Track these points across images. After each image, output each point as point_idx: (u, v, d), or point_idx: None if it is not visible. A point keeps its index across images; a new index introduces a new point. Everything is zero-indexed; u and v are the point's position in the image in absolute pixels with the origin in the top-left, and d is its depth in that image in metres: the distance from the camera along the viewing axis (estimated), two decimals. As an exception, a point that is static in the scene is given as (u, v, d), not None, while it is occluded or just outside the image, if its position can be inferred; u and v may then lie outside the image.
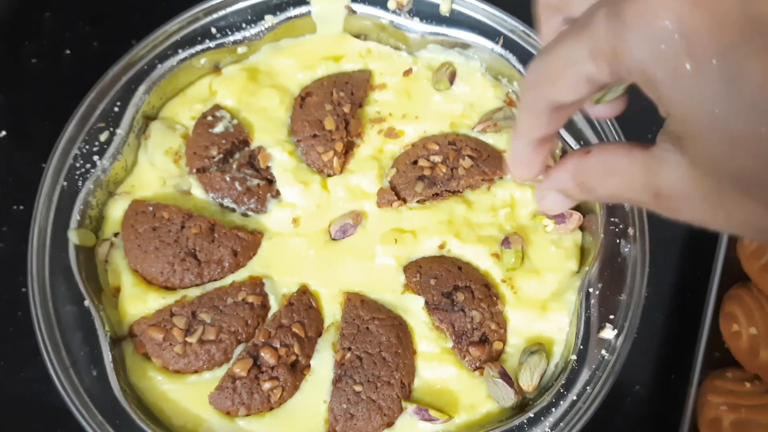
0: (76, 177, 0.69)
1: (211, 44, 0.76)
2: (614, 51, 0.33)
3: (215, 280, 0.68)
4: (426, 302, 0.67)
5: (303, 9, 0.78)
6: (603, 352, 0.63)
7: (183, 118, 0.76)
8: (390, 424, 0.62)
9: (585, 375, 0.62)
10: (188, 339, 0.63)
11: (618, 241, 0.66)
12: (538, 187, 0.49)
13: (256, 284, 0.67)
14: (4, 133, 0.84)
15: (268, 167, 0.72)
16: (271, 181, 0.72)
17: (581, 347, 0.63)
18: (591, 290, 0.65)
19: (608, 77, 0.35)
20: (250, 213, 0.72)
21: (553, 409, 0.61)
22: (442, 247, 0.70)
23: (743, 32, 0.29)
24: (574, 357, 0.63)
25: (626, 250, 0.66)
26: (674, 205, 0.36)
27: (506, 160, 0.47)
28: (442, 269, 0.67)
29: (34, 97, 0.88)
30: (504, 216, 0.71)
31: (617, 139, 0.69)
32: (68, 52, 0.91)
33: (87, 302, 0.64)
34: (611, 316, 0.64)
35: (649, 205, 0.38)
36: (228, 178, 0.71)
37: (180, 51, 0.75)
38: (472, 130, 0.76)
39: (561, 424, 0.60)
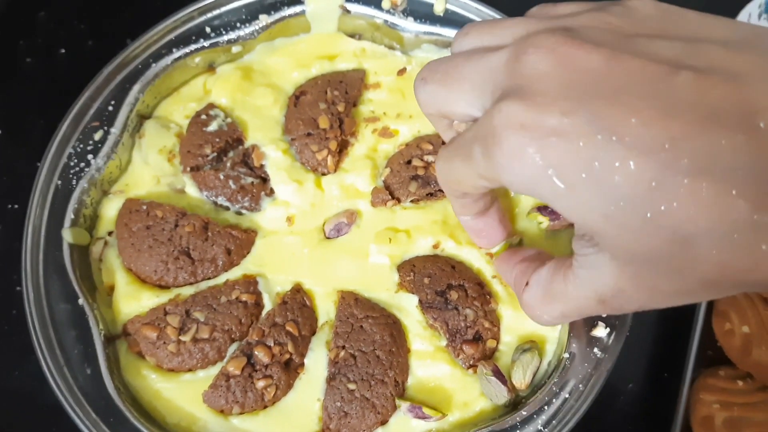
0: (71, 176, 0.69)
1: (206, 43, 0.76)
2: (497, 180, 0.39)
3: (209, 278, 0.68)
4: (420, 301, 0.67)
5: (297, 8, 0.78)
6: (595, 350, 0.63)
7: (177, 116, 0.76)
8: (384, 422, 0.63)
9: (578, 373, 0.62)
10: (182, 337, 0.63)
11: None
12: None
13: (250, 283, 0.67)
14: (-2, 131, 0.84)
15: (262, 165, 0.73)
16: (265, 180, 0.72)
17: (574, 345, 0.63)
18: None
19: (499, 187, 0.42)
20: (244, 211, 0.72)
21: (546, 407, 0.61)
22: (436, 246, 0.70)
23: (595, 144, 0.34)
24: (566, 355, 0.63)
25: (619, 248, 0.66)
26: (617, 303, 0.41)
27: (469, 235, 0.60)
28: (435, 268, 0.68)
29: (28, 95, 0.88)
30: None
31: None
32: (63, 50, 0.91)
33: (81, 301, 0.64)
34: (603, 315, 0.64)
35: (598, 311, 0.44)
36: (222, 177, 0.71)
37: (174, 50, 0.75)
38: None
39: (554, 421, 0.61)
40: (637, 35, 0.37)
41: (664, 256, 0.35)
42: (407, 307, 0.67)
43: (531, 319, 0.50)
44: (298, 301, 0.67)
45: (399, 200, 0.72)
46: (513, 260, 0.55)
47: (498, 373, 0.63)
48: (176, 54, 0.75)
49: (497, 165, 0.37)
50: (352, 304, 0.66)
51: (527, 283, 0.49)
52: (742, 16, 0.85)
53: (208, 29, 0.76)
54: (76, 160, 0.69)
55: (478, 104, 0.42)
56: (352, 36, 0.81)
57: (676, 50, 0.36)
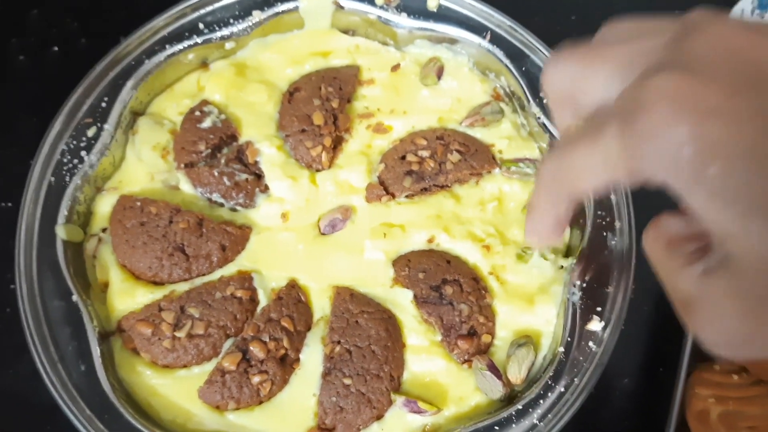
0: (64, 173, 0.69)
1: (199, 40, 0.76)
2: (631, 166, 0.33)
3: (204, 274, 0.68)
4: (415, 296, 0.67)
5: (290, 4, 0.78)
6: (590, 344, 0.63)
7: (171, 113, 0.76)
8: (379, 417, 0.63)
9: (572, 367, 0.62)
10: (177, 334, 0.63)
11: (605, 234, 0.67)
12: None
13: (245, 279, 0.67)
14: (-9, 129, 0.84)
15: (256, 162, 0.72)
16: (259, 176, 0.72)
17: (569, 339, 0.63)
18: (578, 283, 0.65)
19: (626, 181, 0.34)
20: (238, 208, 0.72)
21: (541, 401, 0.61)
22: (431, 241, 0.70)
23: (761, 131, 0.29)
24: (561, 349, 0.63)
25: (613, 242, 0.66)
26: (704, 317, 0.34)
27: (526, 228, 0.49)
28: (430, 263, 0.68)
29: (21, 93, 0.88)
30: (492, 210, 0.71)
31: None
32: (55, 48, 0.90)
33: (75, 297, 0.64)
34: (598, 309, 0.64)
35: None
36: (216, 173, 0.71)
37: (167, 46, 0.75)
38: (460, 124, 0.76)
39: (549, 415, 0.61)
40: None
41: None
42: (402, 302, 0.67)
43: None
44: (293, 297, 0.67)
45: (393, 195, 0.72)
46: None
47: (493, 368, 0.63)
48: (169, 50, 0.75)
49: (640, 139, 0.32)
50: (348, 299, 0.66)
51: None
52: (736, 11, 0.85)
53: (201, 25, 0.76)
54: (69, 157, 0.69)
55: (621, 85, 0.36)
56: (345, 32, 0.81)
57: None
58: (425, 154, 0.72)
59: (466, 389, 0.64)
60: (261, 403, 0.63)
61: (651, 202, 0.35)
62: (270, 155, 0.73)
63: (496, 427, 0.60)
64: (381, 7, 0.78)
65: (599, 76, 0.38)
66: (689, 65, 0.32)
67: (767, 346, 0.32)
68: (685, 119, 0.30)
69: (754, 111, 0.30)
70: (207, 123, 0.73)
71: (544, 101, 0.73)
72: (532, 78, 0.74)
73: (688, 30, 0.34)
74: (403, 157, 0.73)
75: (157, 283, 0.67)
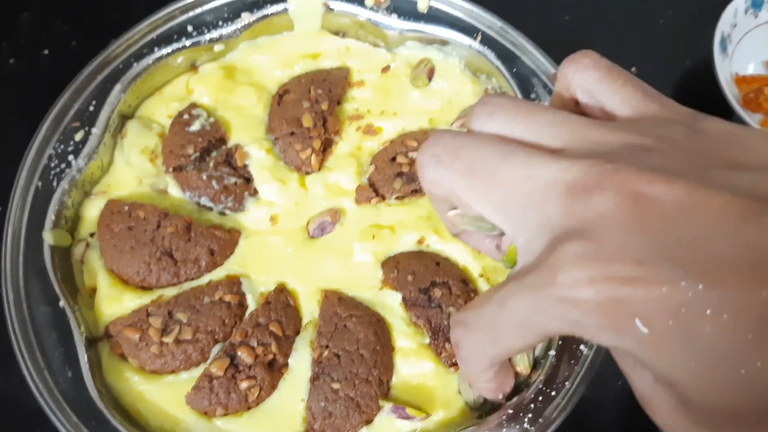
0: (51, 177, 0.68)
1: (188, 42, 0.76)
2: (561, 333, 0.32)
3: (192, 279, 0.67)
4: (403, 298, 0.66)
5: (280, 6, 0.77)
6: (582, 347, 0.62)
7: (160, 116, 0.75)
8: (368, 422, 0.62)
9: (564, 371, 0.62)
10: (165, 339, 0.63)
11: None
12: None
13: (234, 283, 0.67)
14: (-20, 133, 0.84)
15: (245, 165, 0.72)
16: (248, 180, 0.72)
17: (560, 342, 0.63)
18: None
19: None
20: (227, 211, 0.71)
21: (532, 405, 0.60)
22: (421, 242, 0.70)
23: (681, 291, 0.29)
24: (552, 352, 0.63)
25: (604, 244, 0.66)
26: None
27: (484, 395, 0.52)
28: (420, 265, 0.67)
29: (11, 97, 0.87)
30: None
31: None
32: (46, 51, 0.90)
33: (62, 303, 0.63)
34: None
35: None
36: (205, 177, 0.70)
37: (156, 49, 0.75)
38: (450, 126, 0.75)
39: (540, 419, 0.60)
40: (712, 164, 0.32)
41: (750, 415, 0.30)
42: (391, 305, 0.67)
43: None
44: (281, 301, 0.66)
45: (384, 197, 0.71)
46: None
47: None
48: (158, 53, 0.75)
49: (575, 323, 0.31)
50: (336, 303, 0.66)
51: None
52: (729, 10, 0.85)
53: (190, 28, 0.76)
54: (56, 161, 0.69)
55: (510, 223, 0.35)
56: (335, 34, 0.80)
57: (755, 182, 0.31)
58: (415, 155, 0.72)
59: (453, 392, 0.63)
60: (249, 408, 0.62)
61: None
62: (259, 158, 0.72)
63: (486, 432, 0.60)
64: (371, 9, 0.78)
65: (485, 205, 0.36)
66: (590, 234, 0.31)
67: None
68: (610, 302, 0.30)
69: (666, 272, 0.29)
70: (196, 126, 0.72)
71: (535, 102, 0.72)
72: (523, 80, 0.74)
73: (581, 186, 0.32)
74: (393, 159, 0.72)
75: (145, 288, 0.67)
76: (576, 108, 0.39)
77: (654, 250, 0.30)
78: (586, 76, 0.38)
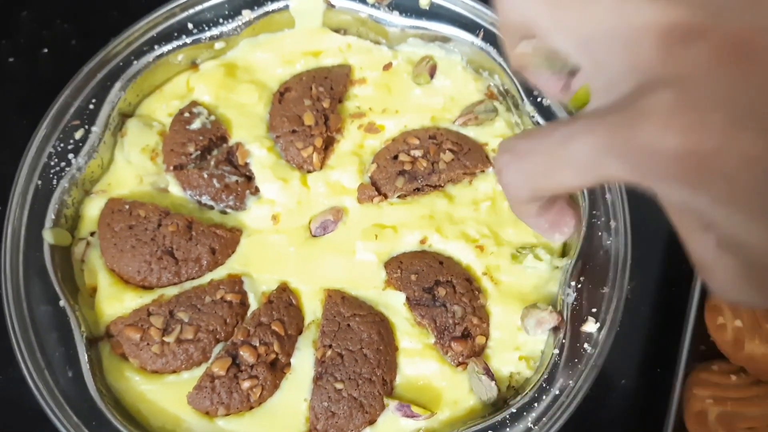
0: (51, 176, 0.68)
1: (188, 40, 0.75)
2: (635, 184, 0.30)
3: (193, 278, 0.67)
4: (407, 298, 0.66)
5: (281, 3, 0.77)
6: (585, 345, 0.62)
7: (160, 114, 0.75)
8: (372, 422, 0.62)
9: (567, 369, 0.61)
10: (166, 338, 0.62)
11: (600, 233, 0.66)
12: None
13: (235, 282, 0.66)
14: (-19, 132, 0.83)
15: (246, 164, 0.72)
16: (249, 178, 0.71)
17: (563, 341, 0.62)
18: (573, 283, 0.64)
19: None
20: (228, 210, 0.71)
21: (536, 404, 0.60)
22: (423, 242, 0.69)
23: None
24: (556, 351, 0.62)
25: (608, 242, 0.65)
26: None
27: (538, 233, 0.45)
28: (423, 264, 0.67)
29: (11, 96, 0.87)
30: (486, 209, 0.70)
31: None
32: (46, 50, 0.89)
33: (62, 302, 0.63)
34: (593, 310, 0.63)
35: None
36: (206, 175, 0.70)
37: (156, 47, 0.74)
38: (453, 123, 0.75)
39: (544, 418, 0.60)
40: None
41: None
42: (395, 305, 0.66)
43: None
44: (284, 300, 0.66)
45: (386, 196, 0.71)
46: None
47: (489, 372, 0.62)
48: (158, 51, 0.74)
49: (646, 178, 0.30)
50: (339, 302, 0.65)
51: None
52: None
53: (190, 25, 0.75)
54: (56, 160, 0.68)
55: (592, 61, 0.33)
56: (337, 31, 0.80)
57: None
58: (418, 153, 0.71)
59: (461, 392, 0.63)
60: (251, 408, 0.62)
61: (646, 201, 0.34)
62: (260, 157, 0.72)
63: (490, 431, 0.59)
64: (372, 6, 0.77)
65: (567, 36, 0.34)
66: (688, 84, 0.29)
67: None
68: (696, 166, 0.28)
69: (759, 140, 0.27)
70: (196, 124, 0.72)
71: (538, 99, 0.72)
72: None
73: (690, 30, 0.30)
74: (396, 157, 0.72)
75: (146, 288, 0.66)
76: None
77: (755, 107, 0.28)
78: None
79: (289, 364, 0.64)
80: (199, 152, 0.71)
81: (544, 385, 0.61)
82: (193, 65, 0.77)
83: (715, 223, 0.30)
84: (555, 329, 0.64)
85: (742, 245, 0.30)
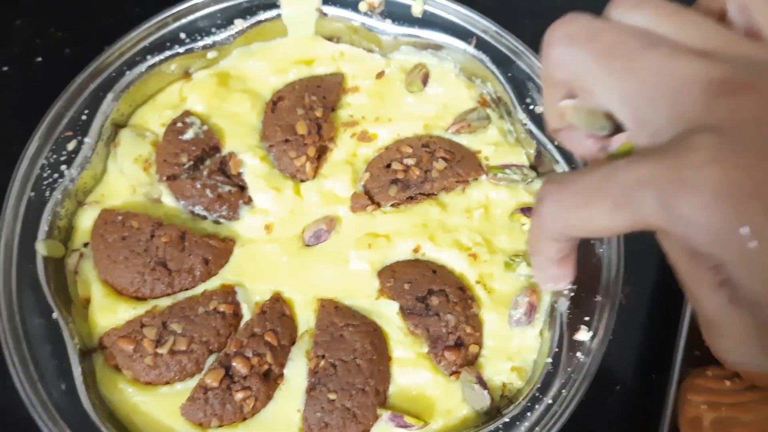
0: (44, 187, 0.68)
1: (181, 50, 0.75)
2: (669, 231, 0.31)
3: (186, 289, 0.67)
4: (400, 307, 0.66)
5: (273, 12, 0.77)
6: (578, 354, 0.62)
7: (153, 125, 0.75)
8: (365, 432, 0.62)
9: (560, 378, 0.61)
10: (159, 350, 0.62)
11: (592, 241, 0.66)
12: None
13: (228, 293, 0.66)
14: (-25, 142, 0.83)
15: (239, 173, 0.72)
16: (242, 188, 0.71)
17: (556, 350, 0.62)
18: (565, 292, 0.64)
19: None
20: (222, 220, 0.71)
21: (529, 413, 0.60)
22: (416, 250, 0.69)
23: None
24: (549, 360, 0.62)
25: (601, 250, 0.65)
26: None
27: (535, 275, 0.46)
28: (416, 273, 0.67)
29: (5, 105, 0.87)
30: (479, 217, 0.70)
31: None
32: (40, 59, 0.89)
33: (55, 314, 0.63)
34: (586, 318, 0.63)
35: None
36: (199, 185, 0.70)
37: (149, 57, 0.74)
38: (446, 131, 0.75)
39: (537, 428, 0.60)
40: None
41: None
42: (388, 314, 0.66)
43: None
44: (277, 311, 0.66)
45: (379, 205, 0.71)
46: None
47: (481, 381, 0.62)
48: (151, 61, 0.74)
49: (682, 217, 0.29)
50: (332, 312, 0.65)
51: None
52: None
53: (182, 35, 0.75)
54: (49, 171, 0.68)
55: (637, 116, 0.34)
56: (330, 39, 0.80)
57: None
58: (411, 162, 0.71)
59: (454, 401, 0.63)
60: (245, 419, 0.62)
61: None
62: (253, 166, 0.72)
63: (483, 441, 0.60)
64: (365, 14, 0.77)
65: (612, 90, 0.34)
66: (729, 132, 0.29)
67: None
68: (734, 205, 0.28)
69: None
70: (189, 134, 0.72)
71: (531, 107, 0.72)
72: (518, 84, 0.73)
73: (729, 83, 0.30)
74: (389, 166, 0.72)
75: (139, 299, 0.66)
76: (720, 21, 0.37)
77: None
78: None
79: (282, 375, 0.64)
80: (192, 162, 0.71)
81: (537, 394, 0.61)
82: (186, 75, 0.77)
83: (734, 279, 0.30)
84: (531, 309, 0.65)
85: (761, 304, 0.29)
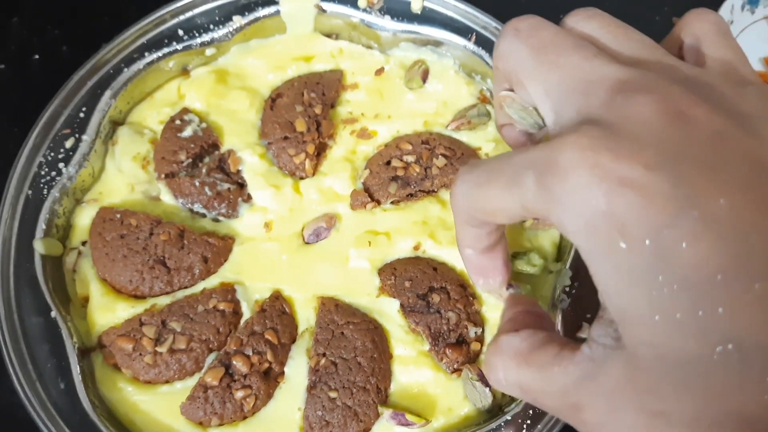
0: (42, 185, 0.67)
1: (179, 46, 0.75)
2: (546, 215, 0.33)
3: (185, 287, 0.66)
4: (401, 305, 0.65)
5: (272, 9, 0.76)
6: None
7: (151, 122, 0.74)
8: (366, 430, 0.61)
9: (563, 375, 0.61)
10: (158, 349, 0.62)
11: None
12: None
13: (228, 291, 0.66)
14: (-29, 141, 0.83)
15: (238, 171, 0.71)
16: (242, 185, 0.71)
17: (558, 347, 0.62)
18: (567, 289, 0.64)
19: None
20: (221, 218, 0.70)
21: (531, 411, 0.60)
22: (416, 248, 0.69)
23: (673, 212, 0.29)
24: (551, 357, 0.62)
25: (603, 247, 0.65)
26: (596, 417, 0.33)
27: (467, 270, 0.48)
28: (417, 271, 0.66)
29: (2, 103, 0.86)
30: (479, 215, 0.70)
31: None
32: (37, 57, 0.89)
33: (54, 313, 0.62)
34: (588, 316, 0.63)
35: (563, 415, 0.36)
36: (197, 183, 0.69)
37: (147, 54, 0.74)
38: (445, 128, 0.75)
39: (539, 426, 0.59)
40: (749, 113, 0.33)
41: (699, 368, 0.29)
42: (389, 312, 0.66)
43: (484, 367, 0.42)
44: (277, 309, 0.65)
45: (379, 202, 0.70)
46: (519, 306, 0.45)
47: (483, 378, 0.62)
48: (149, 58, 0.74)
49: (554, 200, 0.31)
50: (333, 310, 0.65)
51: (515, 330, 0.40)
52: (725, 7, 0.84)
53: (180, 32, 0.75)
54: (47, 169, 0.68)
55: (555, 107, 0.36)
56: (328, 36, 0.79)
57: None
58: (410, 159, 0.71)
59: (455, 399, 0.63)
60: (245, 418, 0.61)
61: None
62: (252, 164, 0.71)
63: (485, 439, 0.59)
64: (364, 10, 0.77)
65: (539, 82, 0.37)
66: (616, 127, 0.31)
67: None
68: (600, 188, 0.30)
69: (667, 187, 0.29)
70: (187, 132, 0.71)
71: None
72: (518, 80, 0.73)
73: (634, 84, 0.33)
74: (388, 163, 0.71)
75: (138, 297, 0.66)
76: (677, 53, 0.40)
77: (667, 164, 0.30)
78: (705, 23, 0.39)
79: (282, 373, 0.63)
80: (190, 160, 0.70)
81: (539, 391, 0.60)
82: (184, 72, 0.77)
83: (601, 284, 0.32)
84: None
85: (624, 320, 0.31)
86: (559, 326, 0.63)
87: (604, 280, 0.31)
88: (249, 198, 0.71)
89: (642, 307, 0.30)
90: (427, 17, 0.76)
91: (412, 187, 0.70)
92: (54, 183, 0.68)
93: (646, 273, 0.29)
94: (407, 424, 0.61)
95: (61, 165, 0.68)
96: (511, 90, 0.42)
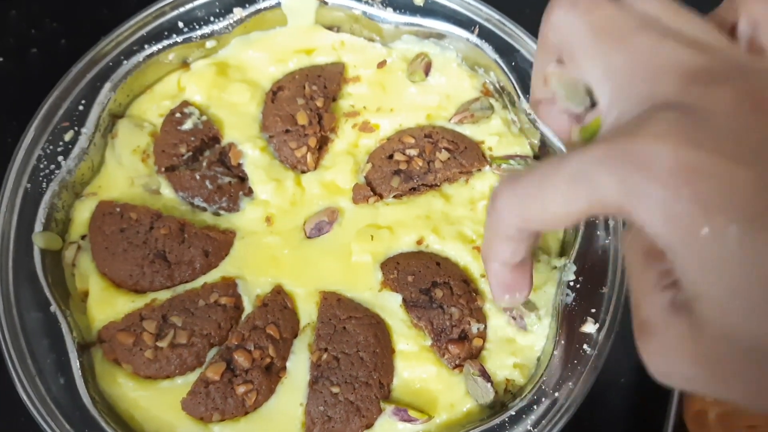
0: (41, 179, 0.67)
1: (179, 39, 0.74)
2: (620, 209, 0.31)
3: (186, 281, 0.66)
4: (404, 300, 0.65)
5: (272, 1, 0.76)
6: (585, 346, 0.61)
7: (151, 115, 0.73)
8: (369, 426, 0.61)
9: (567, 371, 0.61)
10: (159, 343, 0.61)
11: (598, 233, 0.65)
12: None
13: (229, 285, 0.65)
14: (-30, 134, 0.82)
15: (239, 164, 0.71)
16: (243, 179, 0.70)
17: (563, 342, 0.62)
18: (571, 284, 0.63)
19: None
20: (222, 212, 0.70)
21: (535, 407, 0.59)
22: (419, 242, 0.68)
23: (758, 204, 0.28)
24: (555, 353, 0.61)
25: (607, 242, 0.65)
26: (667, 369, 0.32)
27: (490, 286, 0.45)
28: (420, 265, 0.66)
29: (0, 96, 0.86)
30: (482, 209, 0.70)
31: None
32: (35, 50, 0.88)
33: (53, 308, 0.62)
34: (593, 310, 0.62)
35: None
36: (198, 177, 0.69)
37: (146, 46, 0.73)
38: (448, 121, 0.74)
39: (543, 421, 0.59)
40: None
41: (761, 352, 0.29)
42: (391, 307, 0.65)
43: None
44: (278, 303, 0.65)
45: (381, 196, 0.70)
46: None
47: (485, 374, 0.62)
48: (148, 50, 0.73)
49: (634, 191, 0.30)
50: (335, 304, 0.64)
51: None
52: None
53: (180, 24, 0.74)
54: (45, 163, 0.67)
55: (615, 91, 0.34)
56: (330, 28, 0.79)
57: None
58: (413, 152, 0.70)
59: (458, 395, 0.62)
60: (247, 413, 0.61)
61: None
62: (253, 157, 0.71)
63: (489, 435, 0.59)
64: (366, 2, 0.76)
65: (598, 62, 0.35)
66: (701, 115, 0.30)
67: (717, 393, 0.31)
68: (684, 180, 0.28)
69: (759, 179, 0.28)
70: (188, 125, 0.71)
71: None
72: (522, 73, 0.72)
73: (715, 73, 0.31)
74: (391, 156, 0.71)
75: (139, 292, 0.65)
76: (728, 35, 0.38)
77: (751, 155, 0.28)
78: (765, 4, 0.36)
79: (284, 368, 0.63)
80: (191, 153, 0.70)
81: (543, 387, 0.60)
82: (184, 64, 0.76)
83: (680, 276, 0.30)
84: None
85: (700, 298, 0.29)
86: (564, 320, 0.62)
87: (682, 264, 0.30)
88: (250, 192, 0.70)
89: (723, 292, 0.29)
90: (430, 9, 0.75)
91: (415, 180, 0.69)
92: (53, 176, 0.67)
93: (730, 259, 0.28)
94: (410, 420, 0.60)
95: (60, 158, 0.68)
96: (560, 63, 0.39)
